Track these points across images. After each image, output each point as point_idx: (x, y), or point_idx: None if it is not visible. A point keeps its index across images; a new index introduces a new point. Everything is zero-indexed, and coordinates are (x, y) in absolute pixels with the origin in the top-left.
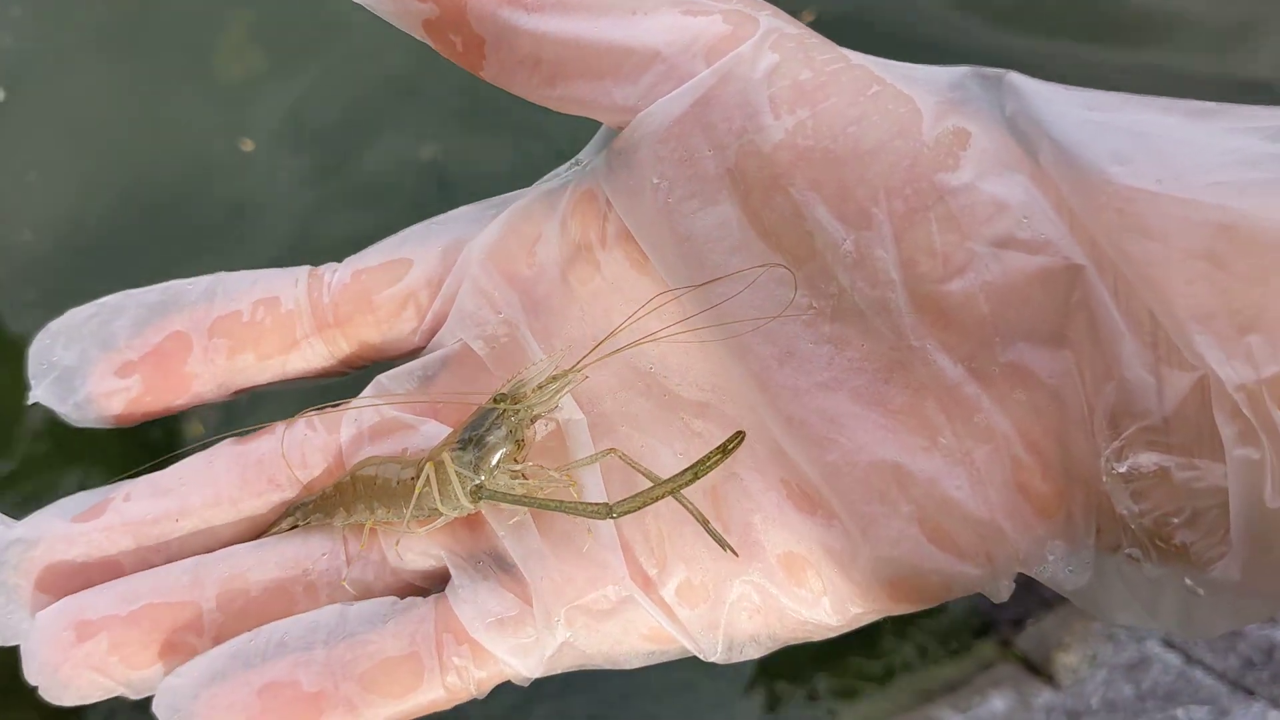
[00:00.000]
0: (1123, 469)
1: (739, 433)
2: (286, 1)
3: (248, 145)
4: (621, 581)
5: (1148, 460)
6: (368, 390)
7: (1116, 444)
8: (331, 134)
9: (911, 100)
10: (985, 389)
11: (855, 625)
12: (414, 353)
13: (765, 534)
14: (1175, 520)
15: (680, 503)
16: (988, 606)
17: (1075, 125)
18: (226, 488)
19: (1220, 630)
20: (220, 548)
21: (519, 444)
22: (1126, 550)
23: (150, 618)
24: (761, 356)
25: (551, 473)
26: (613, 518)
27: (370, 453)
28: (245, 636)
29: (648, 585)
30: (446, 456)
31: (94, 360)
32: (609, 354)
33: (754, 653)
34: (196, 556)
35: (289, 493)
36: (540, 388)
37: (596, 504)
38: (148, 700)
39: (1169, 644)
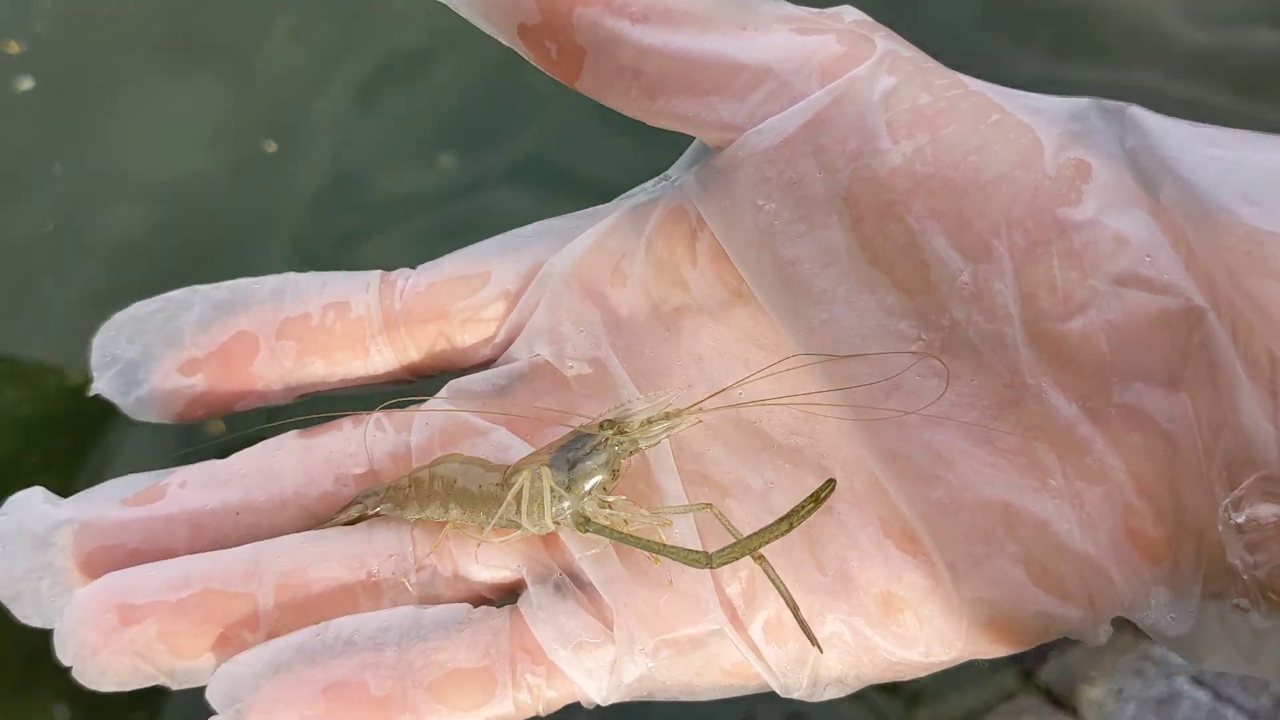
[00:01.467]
0: (1240, 519)
1: (830, 481)
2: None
3: (271, 147)
4: (712, 616)
5: (1267, 511)
6: (442, 394)
7: (1235, 494)
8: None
9: (1032, 130)
10: (1099, 430)
11: (947, 667)
12: (484, 365)
13: (861, 572)
14: None
15: (767, 573)
16: None
17: (1201, 162)
18: (290, 483)
19: None
20: (277, 535)
21: (614, 474)
22: (1234, 600)
23: (203, 606)
24: (861, 388)
25: (643, 512)
26: (711, 567)
27: (441, 453)
28: (312, 630)
29: (735, 620)
30: (546, 471)
31: (159, 356)
32: (725, 407)
33: (836, 693)
34: (255, 544)
35: (353, 490)
36: (649, 422)
37: (696, 552)
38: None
39: (1199, 681)
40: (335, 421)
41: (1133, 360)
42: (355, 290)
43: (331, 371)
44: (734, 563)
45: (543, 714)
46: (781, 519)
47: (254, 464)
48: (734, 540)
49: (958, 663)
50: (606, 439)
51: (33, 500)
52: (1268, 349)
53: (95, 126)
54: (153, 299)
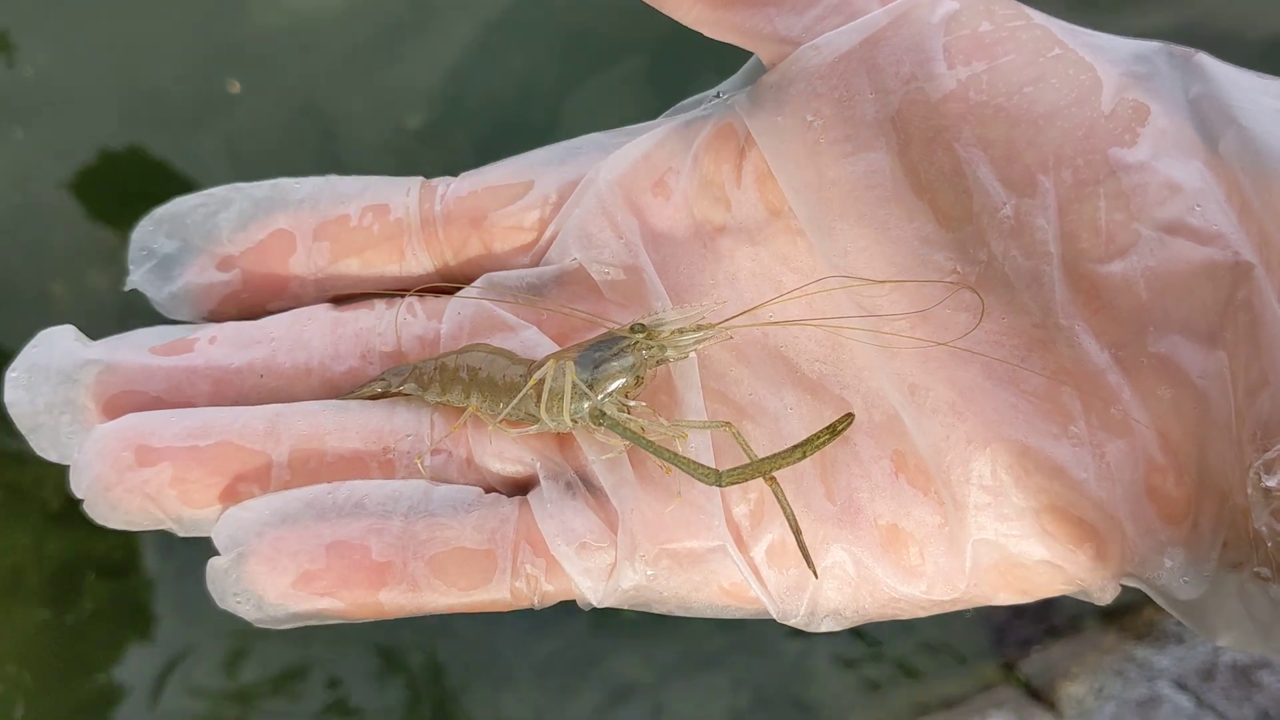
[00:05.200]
0: (1272, 482)
1: (849, 415)
2: None
3: (234, 87)
4: (716, 532)
5: None
6: (479, 282)
7: (1269, 455)
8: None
9: (1093, 68)
10: (1129, 380)
11: (947, 609)
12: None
13: (871, 503)
14: None
15: (776, 495)
16: (996, 624)
17: (1266, 115)
18: (317, 353)
19: None
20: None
21: (638, 380)
22: (1255, 569)
23: (219, 457)
24: (892, 309)
25: (661, 421)
26: (720, 485)
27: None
28: (324, 488)
29: (739, 540)
30: (570, 366)
31: (196, 251)
32: (758, 324)
33: (833, 626)
34: (276, 405)
35: (379, 370)
36: (681, 332)
37: (708, 468)
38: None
39: (1181, 685)
40: (368, 300)
41: (1172, 310)
42: (395, 193)
43: (366, 273)
44: (744, 484)
45: (537, 606)
46: (796, 446)
47: (284, 329)
48: (748, 462)
49: (958, 606)
50: (636, 343)
51: (63, 337)
52: None
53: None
54: (194, 195)
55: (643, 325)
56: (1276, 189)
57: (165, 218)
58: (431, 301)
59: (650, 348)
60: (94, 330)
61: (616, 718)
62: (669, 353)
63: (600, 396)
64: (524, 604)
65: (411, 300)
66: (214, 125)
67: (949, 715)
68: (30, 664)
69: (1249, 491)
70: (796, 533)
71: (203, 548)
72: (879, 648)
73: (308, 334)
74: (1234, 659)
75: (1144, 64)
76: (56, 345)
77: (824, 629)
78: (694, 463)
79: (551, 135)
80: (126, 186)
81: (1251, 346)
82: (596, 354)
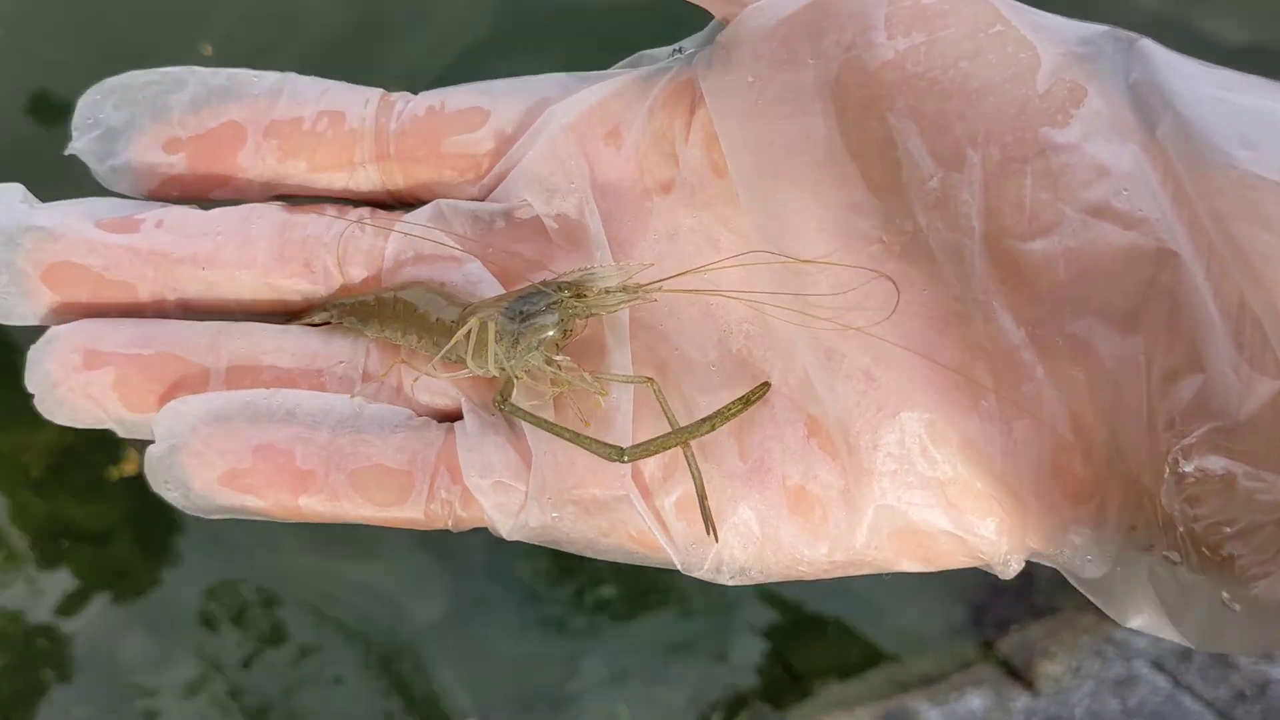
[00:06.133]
0: (1189, 468)
1: (764, 384)
2: None
3: (207, 50)
4: (621, 481)
5: (1215, 464)
6: (425, 211)
7: (1186, 441)
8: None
9: (1033, 47)
10: (1043, 359)
11: (849, 573)
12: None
13: (781, 463)
14: (1228, 530)
15: (686, 459)
16: (975, 603)
17: (1204, 102)
18: (262, 254)
19: (1246, 651)
20: (239, 315)
21: (565, 333)
22: (1164, 552)
23: (160, 366)
24: (816, 283)
25: (585, 375)
26: (624, 461)
27: (412, 273)
28: (261, 392)
29: (647, 491)
30: (491, 325)
31: (143, 128)
32: (684, 291)
33: (738, 582)
34: (220, 323)
35: (321, 288)
36: (608, 291)
37: (610, 445)
38: None
39: (1158, 666)
40: (319, 205)
41: (1090, 292)
42: (354, 102)
43: (313, 179)
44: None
45: (451, 529)
46: (705, 419)
47: (232, 223)
48: (666, 417)
49: (861, 570)
50: (561, 300)
51: (11, 197)
52: (1240, 297)
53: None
54: (149, 70)
55: (570, 283)
56: (1211, 177)
57: (116, 88)
58: (381, 217)
59: (575, 307)
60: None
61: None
62: (594, 310)
63: (525, 350)
64: (437, 526)
65: (362, 213)
66: None
67: (928, 693)
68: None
69: (1165, 476)
70: (701, 496)
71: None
72: (858, 625)
73: (255, 232)
74: None
75: (1087, 45)
76: (2, 204)
77: (730, 584)
78: (597, 441)
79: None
80: None
81: (1170, 334)
82: (524, 306)
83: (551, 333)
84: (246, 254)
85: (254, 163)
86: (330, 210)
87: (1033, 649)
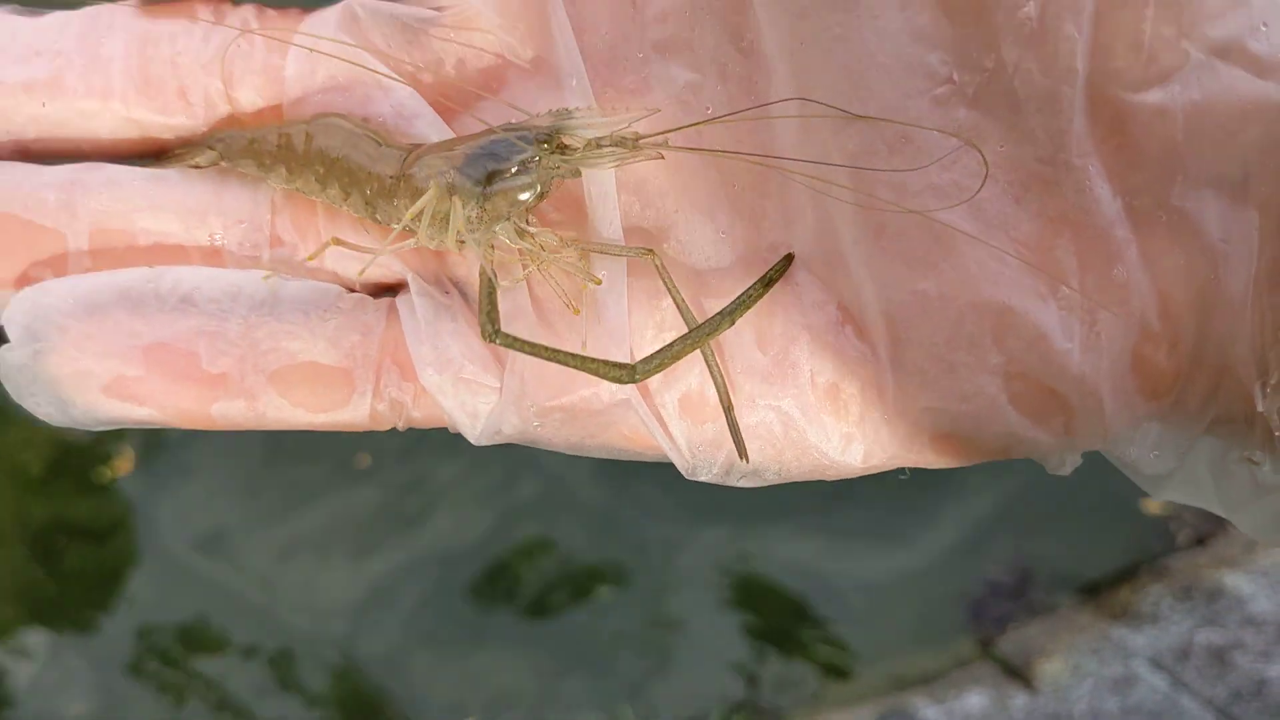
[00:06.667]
0: None
1: (788, 256)
2: None
3: None
4: (623, 388)
5: None
6: (333, 13)
7: None
8: None
9: None
10: (1139, 236)
11: (880, 471)
12: None
13: (809, 358)
14: None
15: (710, 369)
16: (974, 602)
17: None
18: (118, 79)
19: None
20: (97, 154)
21: (540, 195)
22: (1247, 453)
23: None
24: (863, 133)
25: (569, 250)
26: (635, 381)
27: (324, 102)
28: (145, 272)
29: (646, 389)
30: (456, 202)
31: None
32: (698, 150)
33: (751, 483)
34: (73, 168)
35: (201, 122)
36: (598, 144)
37: (618, 366)
38: None
39: (1157, 664)
40: (186, 3)
41: (1209, 157)
42: None
43: None
44: (659, 325)
45: (401, 429)
46: (721, 313)
47: (74, 39)
48: (674, 300)
49: (888, 469)
50: (538, 156)
51: None
52: None
53: None
54: None
55: (549, 133)
56: None
57: None
58: (272, 19)
59: (557, 166)
60: None
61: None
62: (584, 165)
63: (493, 222)
64: (385, 427)
65: (246, 14)
66: None
67: (927, 691)
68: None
69: (1269, 378)
70: (727, 408)
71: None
72: (857, 623)
73: (106, 50)
74: (1209, 640)
75: None
76: None
77: (740, 485)
78: (603, 363)
79: None
80: None
81: None
82: (490, 164)
83: (526, 196)
84: (98, 80)
85: None
86: (203, 11)
87: (1031, 648)
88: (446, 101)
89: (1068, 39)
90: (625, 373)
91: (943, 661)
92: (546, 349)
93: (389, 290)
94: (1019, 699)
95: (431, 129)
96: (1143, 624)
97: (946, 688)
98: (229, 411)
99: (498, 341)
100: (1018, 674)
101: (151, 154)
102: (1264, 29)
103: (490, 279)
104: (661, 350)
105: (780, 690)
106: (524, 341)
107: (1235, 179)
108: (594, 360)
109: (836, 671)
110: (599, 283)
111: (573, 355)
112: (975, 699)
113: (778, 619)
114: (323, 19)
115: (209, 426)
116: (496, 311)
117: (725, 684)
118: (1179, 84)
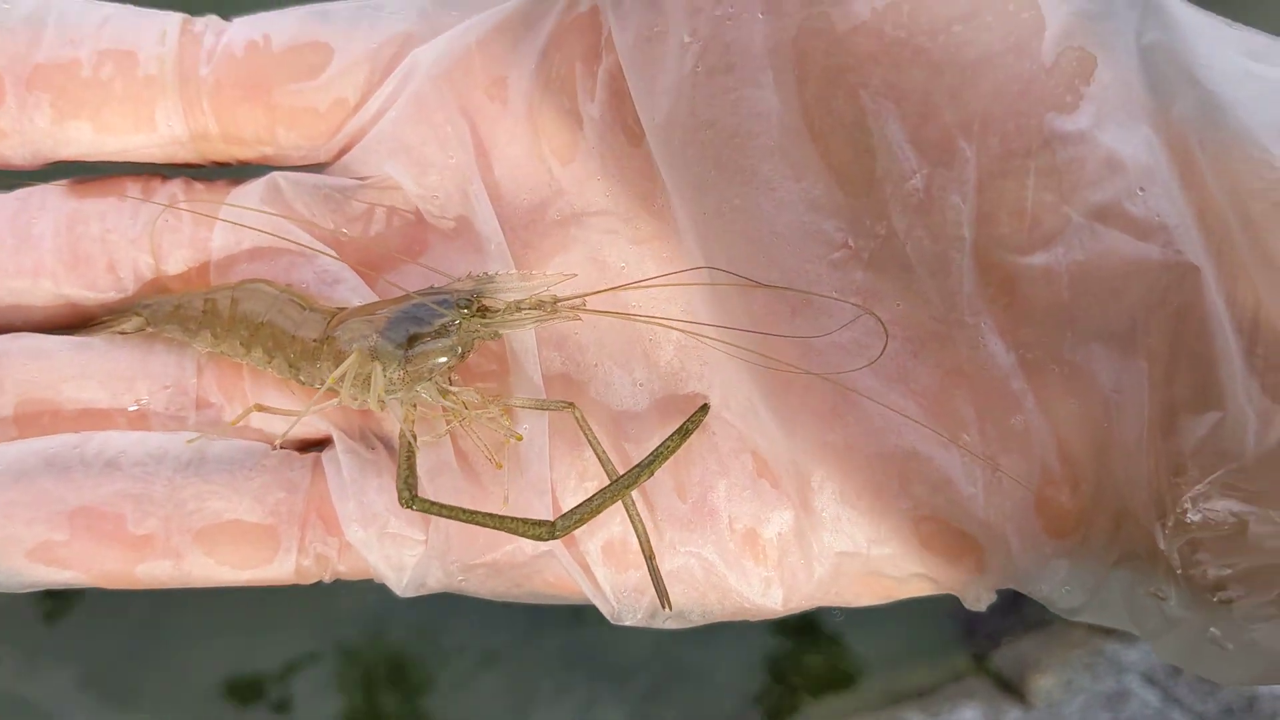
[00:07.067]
0: (1196, 517)
1: (703, 407)
2: None
3: None
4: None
5: (1225, 509)
6: (258, 187)
7: (1198, 490)
8: None
9: (1036, 4)
10: (1034, 387)
11: (802, 610)
12: (312, 169)
13: (728, 504)
14: (1229, 572)
15: (631, 519)
16: (967, 616)
17: (1233, 77)
18: (48, 258)
19: (1236, 683)
20: (27, 326)
21: (462, 356)
22: (1152, 589)
23: None
24: (767, 297)
25: (491, 407)
26: (555, 538)
27: (249, 270)
28: (70, 439)
29: (570, 538)
30: (378, 368)
31: None
32: (614, 315)
33: (675, 625)
34: None
35: (131, 292)
36: (518, 308)
37: (538, 524)
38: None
39: (1149, 680)
40: (115, 181)
41: (1096, 314)
42: (146, 38)
43: (103, 142)
44: (580, 474)
45: (327, 582)
46: (639, 465)
47: (6, 220)
48: (595, 452)
49: (807, 609)
50: (459, 324)
51: None
52: (1255, 310)
53: None
54: None
55: (470, 297)
56: (1239, 172)
57: None
58: (199, 193)
59: (477, 330)
60: None
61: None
62: (503, 329)
63: (415, 383)
64: (310, 581)
65: (174, 189)
66: None
67: (920, 705)
68: None
69: (1167, 520)
70: (648, 556)
71: None
72: (850, 637)
73: (37, 230)
74: None
75: (1098, 1)
76: None
77: (665, 627)
78: (523, 522)
79: None
80: None
81: (1180, 359)
82: (411, 328)
83: (447, 359)
84: (27, 259)
85: (17, 123)
86: (132, 189)
87: (1025, 662)
88: (368, 266)
89: (953, 208)
90: (546, 530)
91: (936, 675)
92: (465, 512)
93: (317, 444)
94: (1012, 713)
95: (354, 293)
96: (1136, 639)
97: (940, 702)
98: (155, 571)
99: (414, 507)
100: (1011, 688)
101: (79, 323)
102: (1140, 193)
103: (409, 443)
104: (582, 505)
105: (774, 703)
106: (441, 505)
107: (1123, 332)
108: (514, 520)
109: (830, 685)
110: (520, 439)
111: (491, 516)
112: (969, 713)
113: (771, 634)
114: (247, 191)
115: (134, 586)
116: (415, 477)
117: (721, 699)
118: (1062, 246)
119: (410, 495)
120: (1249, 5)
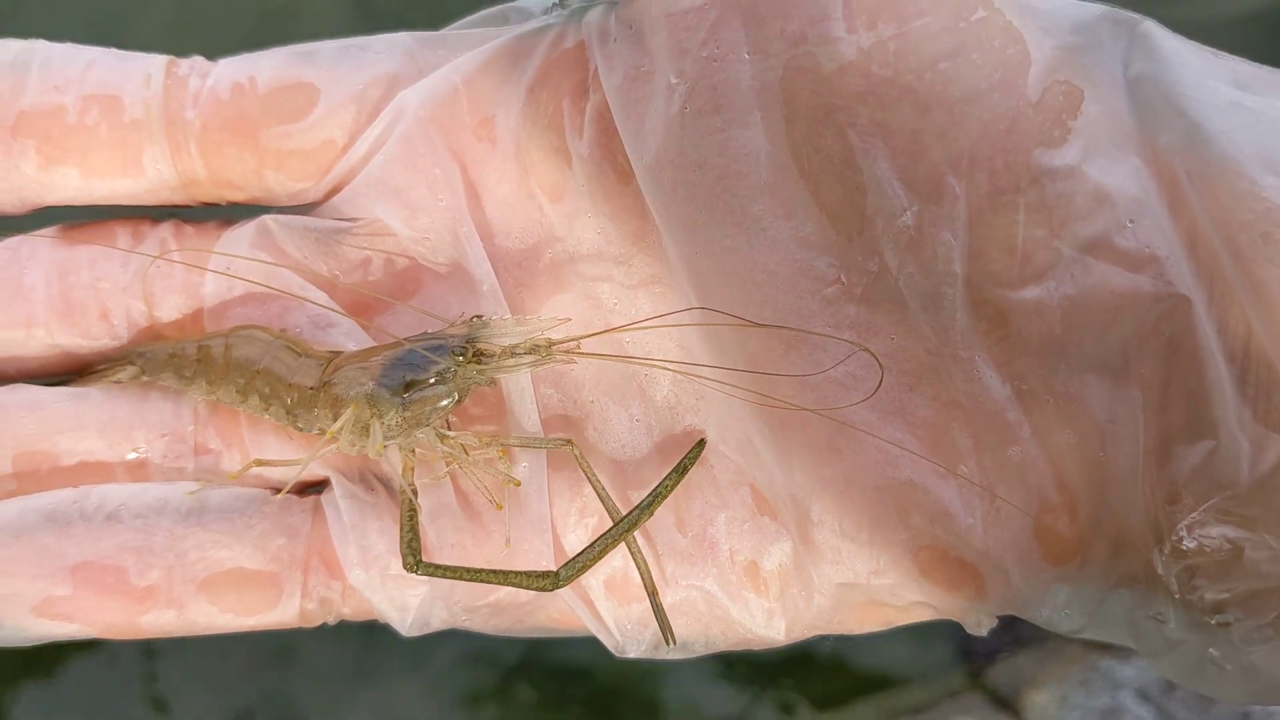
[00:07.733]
0: (1191, 544)
1: (700, 442)
2: None
3: None
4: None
5: (1221, 535)
6: (248, 231)
7: (1192, 518)
8: None
9: (1022, 39)
10: (1029, 417)
11: (805, 639)
12: (299, 210)
13: (728, 537)
14: (1227, 596)
15: (634, 558)
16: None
17: (1220, 107)
18: (41, 309)
19: (1238, 702)
20: (21, 376)
21: (458, 399)
22: (1151, 612)
23: None
24: (762, 335)
25: (489, 450)
26: (558, 588)
27: (240, 315)
28: (69, 494)
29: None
30: (376, 423)
31: None
32: (608, 358)
33: (679, 656)
34: None
35: (125, 339)
36: (513, 351)
37: (542, 575)
38: None
39: (1144, 696)
40: (105, 227)
41: (1089, 346)
42: (131, 82)
43: (89, 186)
44: (580, 510)
45: (331, 624)
46: (640, 505)
47: None
48: (594, 488)
49: (815, 635)
50: (455, 369)
51: None
52: (1246, 339)
53: None
54: None
55: (465, 343)
56: (1227, 203)
57: None
58: (190, 239)
59: (472, 375)
60: None
61: None
62: (499, 372)
63: (413, 429)
64: (314, 624)
65: (164, 234)
66: None
67: None
68: None
69: (1164, 547)
70: (652, 593)
71: None
72: (846, 654)
73: (28, 280)
74: None
75: (1083, 34)
76: None
77: (668, 658)
78: (526, 575)
79: None
80: None
81: (1173, 389)
82: (408, 374)
83: (444, 404)
84: (20, 310)
85: (4, 171)
86: (123, 235)
87: (1020, 678)
88: (361, 308)
89: (944, 245)
90: (550, 581)
91: (932, 692)
92: (469, 571)
93: (315, 485)
94: None
95: (348, 337)
96: (1131, 655)
97: (936, 718)
98: (159, 621)
99: (419, 572)
100: (1006, 704)
101: (74, 370)
102: (1130, 225)
103: (411, 503)
104: (584, 552)
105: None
106: (446, 568)
107: (1115, 363)
108: (518, 574)
109: (827, 702)
110: (518, 484)
111: (495, 573)
112: None
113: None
114: (238, 235)
115: (139, 636)
116: (418, 540)
117: (713, 714)
118: (1054, 280)
119: (415, 560)
120: (1232, 29)
